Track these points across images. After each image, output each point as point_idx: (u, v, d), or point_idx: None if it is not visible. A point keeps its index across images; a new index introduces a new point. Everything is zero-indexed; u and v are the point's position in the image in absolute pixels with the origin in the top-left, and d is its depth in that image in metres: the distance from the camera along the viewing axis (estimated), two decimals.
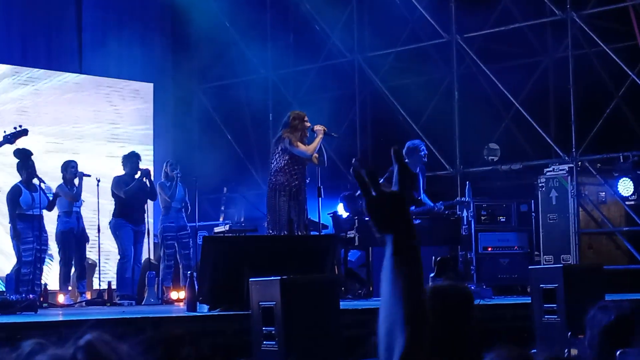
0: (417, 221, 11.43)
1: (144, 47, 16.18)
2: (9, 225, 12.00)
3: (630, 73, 13.51)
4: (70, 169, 12.67)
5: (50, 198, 12.14)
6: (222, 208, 15.77)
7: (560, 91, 14.83)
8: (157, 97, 16.38)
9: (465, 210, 13.18)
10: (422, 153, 11.58)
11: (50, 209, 12.18)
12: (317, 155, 10.58)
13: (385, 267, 1.89)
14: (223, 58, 16.77)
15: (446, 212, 13.39)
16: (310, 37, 16.21)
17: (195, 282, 9.11)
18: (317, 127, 10.56)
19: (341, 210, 13.85)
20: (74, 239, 12.55)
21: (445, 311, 2.83)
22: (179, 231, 12.99)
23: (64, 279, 12.59)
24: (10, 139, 10.75)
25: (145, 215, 13.05)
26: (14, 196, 11.88)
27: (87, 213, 13.21)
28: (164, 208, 13.10)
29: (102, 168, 14.53)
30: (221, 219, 15.25)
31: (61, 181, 12.66)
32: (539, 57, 15.85)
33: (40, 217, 11.92)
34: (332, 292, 7.00)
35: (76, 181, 12.61)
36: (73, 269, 12.70)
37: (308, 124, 10.54)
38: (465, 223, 13.09)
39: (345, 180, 15.70)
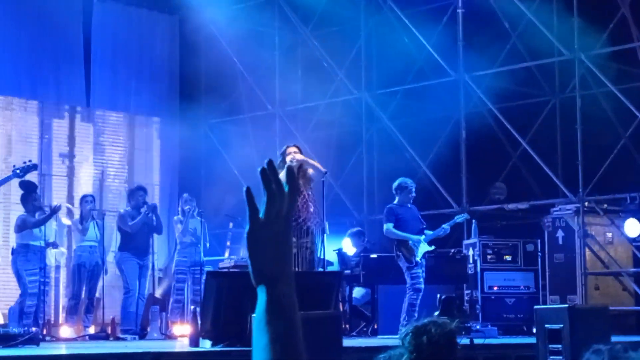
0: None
1: (152, 81, 16.24)
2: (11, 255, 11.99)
3: (637, 114, 13.49)
4: (84, 204, 12.72)
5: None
6: (228, 243, 15.75)
7: (567, 131, 14.82)
8: (164, 131, 16.41)
9: (471, 249, 13.14)
10: (411, 188, 11.52)
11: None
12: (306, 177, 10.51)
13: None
14: (231, 94, 16.82)
15: (452, 250, 13.35)
16: (318, 74, 16.23)
17: (198, 318, 9.07)
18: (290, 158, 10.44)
19: (347, 246, 13.81)
20: (85, 272, 12.55)
21: (427, 350, 2.78)
22: (192, 266, 12.96)
23: (71, 312, 12.55)
24: (20, 173, 10.79)
25: (151, 249, 13.03)
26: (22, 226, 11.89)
27: None
28: (178, 243, 13.14)
29: (108, 202, 14.54)
30: (226, 255, 15.22)
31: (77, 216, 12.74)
32: (547, 96, 15.87)
33: (44, 249, 11.92)
34: (335, 329, 6.95)
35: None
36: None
37: (289, 157, 10.39)
38: (471, 262, 13.05)
39: (352, 217, 15.67)
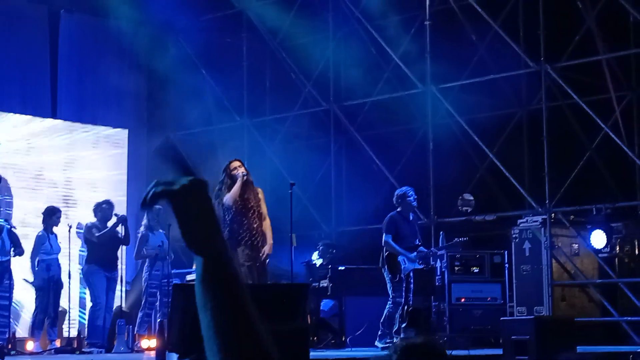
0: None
1: (119, 93, 16.16)
2: None
3: (603, 126, 13.61)
4: (55, 218, 12.62)
5: None
6: None
7: (534, 142, 14.92)
8: (132, 143, 16.34)
9: (439, 260, 13.17)
10: (411, 198, 11.64)
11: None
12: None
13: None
14: (199, 105, 16.77)
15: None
16: (287, 85, 16.25)
17: (165, 331, 9.02)
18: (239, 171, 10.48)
19: (316, 258, 13.81)
20: (52, 285, 12.45)
21: None
22: (162, 279, 12.90)
23: (38, 326, 12.43)
24: None
25: (119, 262, 12.95)
26: None
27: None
28: (146, 257, 13.01)
29: (74, 214, 14.44)
30: (194, 267, 15.13)
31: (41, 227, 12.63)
32: (514, 108, 15.96)
33: (9, 262, 11.81)
34: (302, 342, 6.94)
35: (55, 229, 12.60)
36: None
37: (235, 172, 10.44)
38: (438, 273, 13.07)
39: (319, 231, 15.67)
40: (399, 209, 11.60)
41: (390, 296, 11.31)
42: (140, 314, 12.82)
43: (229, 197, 10.22)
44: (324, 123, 16.25)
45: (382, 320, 11.32)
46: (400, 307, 11.27)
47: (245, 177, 10.35)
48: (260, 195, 10.50)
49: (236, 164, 10.56)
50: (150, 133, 16.58)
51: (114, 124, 16.23)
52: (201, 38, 16.23)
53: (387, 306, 11.30)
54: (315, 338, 12.39)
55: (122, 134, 16.30)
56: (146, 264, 13.07)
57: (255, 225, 10.29)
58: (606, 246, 13.47)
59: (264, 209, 10.48)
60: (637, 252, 14.31)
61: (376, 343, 11.38)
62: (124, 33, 16.30)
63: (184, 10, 16.02)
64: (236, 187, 10.28)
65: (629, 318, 13.55)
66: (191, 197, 1.62)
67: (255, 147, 16.34)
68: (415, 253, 11.41)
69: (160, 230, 13.03)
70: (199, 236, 1.62)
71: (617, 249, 14.01)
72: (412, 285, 11.35)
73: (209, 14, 16.37)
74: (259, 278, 10.18)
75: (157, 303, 12.84)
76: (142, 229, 13.04)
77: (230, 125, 16.65)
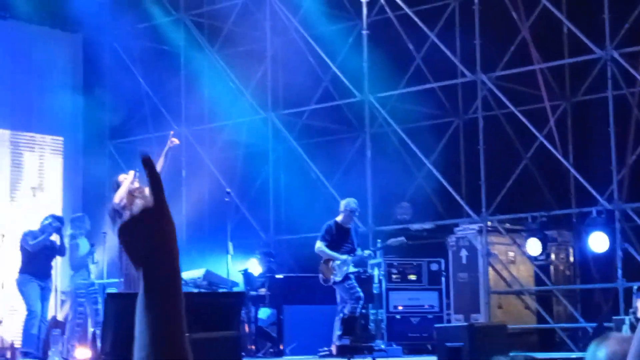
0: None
1: (55, 100, 15.95)
2: None
3: (538, 135, 13.75)
4: None
5: None
6: None
7: (470, 151, 15.03)
8: (68, 151, 16.15)
9: (376, 268, 13.21)
10: (354, 209, 11.76)
11: None
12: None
13: (137, 308, 1.58)
14: (136, 113, 16.63)
15: (358, 269, 13.42)
16: (225, 94, 16.18)
17: (98, 340, 8.93)
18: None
19: (253, 266, 13.76)
20: None
21: None
22: (89, 287, 12.76)
23: None
24: None
25: (53, 271, 12.77)
26: None
27: None
28: (76, 266, 12.84)
29: (7, 222, 14.24)
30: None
31: None
32: (451, 117, 16.08)
33: None
34: (234, 350, 6.91)
35: None
36: None
37: (122, 178, 10.79)
38: (376, 281, 13.11)
39: (258, 239, 15.62)
40: (338, 218, 11.66)
41: (347, 295, 11.38)
42: (70, 324, 12.66)
43: (115, 198, 10.58)
44: (262, 132, 16.21)
45: (338, 324, 11.37)
46: (336, 315, 11.30)
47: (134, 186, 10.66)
48: None
49: (123, 176, 10.93)
50: (86, 141, 16.42)
51: (50, 131, 16.03)
52: (138, 46, 16.11)
53: (348, 305, 11.38)
54: (253, 347, 12.35)
55: (57, 141, 16.10)
56: (72, 274, 12.91)
57: None
58: (542, 254, 13.60)
59: None
60: (571, 259, 14.50)
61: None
62: (58, 40, 16.13)
63: (120, 17, 15.91)
64: (122, 190, 10.63)
65: (564, 325, 13.72)
66: (141, 228, 1.60)
67: (193, 155, 16.24)
68: (347, 256, 11.46)
69: (85, 238, 12.88)
70: (139, 256, 1.60)
71: (552, 256, 14.18)
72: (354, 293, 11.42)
73: (145, 22, 16.25)
74: None
75: (89, 312, 12.68)
76: (67, 239, 12.86)
77: (168, 134, 16.48)
